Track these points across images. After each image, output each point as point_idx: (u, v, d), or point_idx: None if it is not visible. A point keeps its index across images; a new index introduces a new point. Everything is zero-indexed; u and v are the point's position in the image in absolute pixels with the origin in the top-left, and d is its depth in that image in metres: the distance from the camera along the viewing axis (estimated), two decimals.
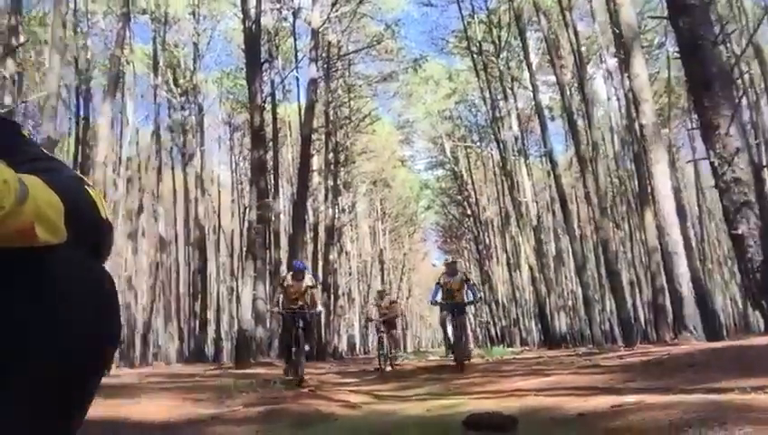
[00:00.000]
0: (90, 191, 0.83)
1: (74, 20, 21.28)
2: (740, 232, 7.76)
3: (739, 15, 19.61)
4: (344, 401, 5.69)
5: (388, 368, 11.79)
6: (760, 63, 18.93)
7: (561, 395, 4.30)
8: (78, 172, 0.94)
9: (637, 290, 26.56)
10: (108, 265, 0.85)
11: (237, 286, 27.99)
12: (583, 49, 21.39)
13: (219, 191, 33.15)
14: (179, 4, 26.16)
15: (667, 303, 13.12)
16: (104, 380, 0.84)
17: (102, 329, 0.77)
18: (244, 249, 21.48)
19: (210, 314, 29.17)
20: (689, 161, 24.29)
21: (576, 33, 19.43)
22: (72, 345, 0.72)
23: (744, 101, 19.36)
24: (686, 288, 10.95)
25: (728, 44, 19.23)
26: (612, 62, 23.99)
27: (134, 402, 4.94)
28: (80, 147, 22.39)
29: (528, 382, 5.80)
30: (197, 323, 24.85)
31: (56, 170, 0.82)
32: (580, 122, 22.35)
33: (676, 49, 9.58)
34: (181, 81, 27.54)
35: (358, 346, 41.51)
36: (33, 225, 0.67)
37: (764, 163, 18.36)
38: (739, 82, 18.80)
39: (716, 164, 7.92)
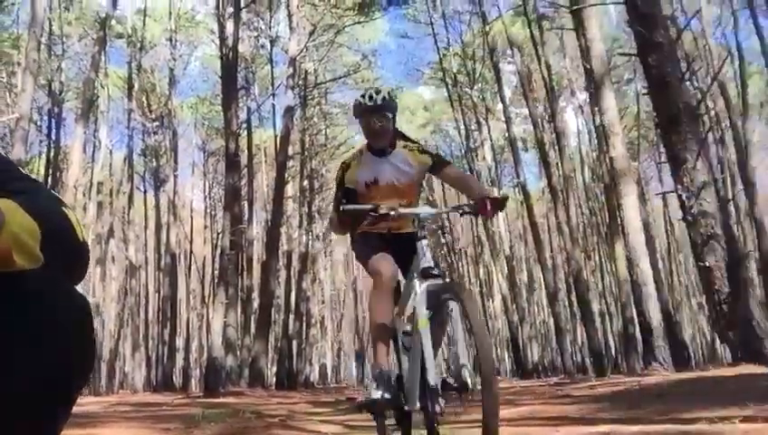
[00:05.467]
0: (67, 214, 0.83)
1: (49, 42, 21.15)
2: (707, 264, 7.93)
3: (704, 53, 20.27)
4: (316, 431, 5.61)
5: None
6: (725, 100, 19.54)
7: (533, 425, 4.30)
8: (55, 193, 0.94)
9: (608, 320, 26.82)
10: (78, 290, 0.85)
11: (208, 314, 27.59)
12: (555, 83, 21.86)
13: (192, 217, 32.84)
14: (156, 29, 26.18)
15: (637, 333, 13.26)
16: None
17: (79, 354, 0.76)
18: (216, 276, 21.24)
19: (179, 342, 28.66)
20: (658, 194, 24.80)
21: (548, 68, 19.86)
22: (50, 371, 0.72)
23: (710, 136, 19.91)
24: (656, 319, 11.10)
25: (695, 81, 19.86)
26: (583, 97, 24.56)
27: (98, 432, 4.82)
28: (50, 170, 22.09)
29: (500, 412, 5.79)
30: (166, 350, 24.38)
31: (33, 192, 0.82)
32: (552, 154, 22.73)
33: (645, 85, 9.86)
34: (155, 106, 27.42)
35: (330, 375, 41.05)
36: (9, 251, 0.67)
37: (730, 197, 18.84)
38: (705, 117, 19.36)
39: (684, 197, 8.12)
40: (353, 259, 50.67)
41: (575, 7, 13.60)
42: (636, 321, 13.04)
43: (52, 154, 22.47)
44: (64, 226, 0.82)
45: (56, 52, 22.44)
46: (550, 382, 12.76)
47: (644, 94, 13.33)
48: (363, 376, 48.20)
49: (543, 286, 24.89)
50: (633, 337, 14.33)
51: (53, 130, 22.97)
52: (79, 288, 0.87)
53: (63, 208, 0.84)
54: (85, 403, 10.27)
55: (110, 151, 26.72)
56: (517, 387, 11.76)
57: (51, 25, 21.02)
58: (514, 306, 24.37)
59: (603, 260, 27.67)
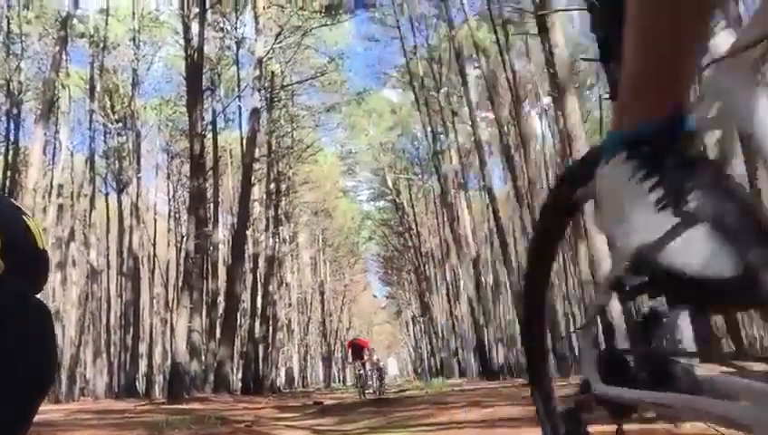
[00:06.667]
0: (28, 221, 0.82)
1: (7, 41, 20.63)
2: None
3: None
4: None
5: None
6: None
7: (499, 427, 4.35)
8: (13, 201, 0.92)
9: (571, 321, 27.25)
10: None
11: (172, 318, 27.18)
12: (520, 87, 22.15)
13: (155, 220, 32.31)
14: (119, 29, 25.74)
15: (600, 335, 13.48)
16: None
17: (38, 360, 0.75)
18: (180, 280, 20.96)
19: (142, 348, 28.15)
20: None
21: (513, 72, 20.11)
22: (7, 376, 0.70)
23: None
24: (617, 321, 11.30)
25: None
26: (547, 101, 24.94)
27: None
28: (8, 172, 21.52)
29: (467, 415, 5.84)
30: (128, 356, 23.94)
31: None
32: (517, 158, 23.02)
33: (607, 90, 10.06)
34: (118, 107, 26.94)
35: (297, 379, 40.81)
36: None
37: None
38: None
39: None
40: (320, 263, 50.33)
41: (540, 12, 13.80)
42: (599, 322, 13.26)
43: (10, 156, 21.89)
44: (25, 233, 0.81)
45: (15, 51, 21.90)
46: (515, 384, 12.91)
47: (606, 99, 13.61)
48: (330, 380, 47.85)
49: (509, 288, 25.16)
50: (596, 339, 14.56)
51: (12, 132, 22.39)
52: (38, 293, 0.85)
53: (23, 217, 0.83)
54: (45, 411, 10.01)
55: (71, 153, 26.16)
56: (483, 388, 11.87)
57: (9, 24, 20.51)
58: (480, 308, 24.57)
59: (567, 262, 28.11)
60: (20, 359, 0.73)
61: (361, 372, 16.65)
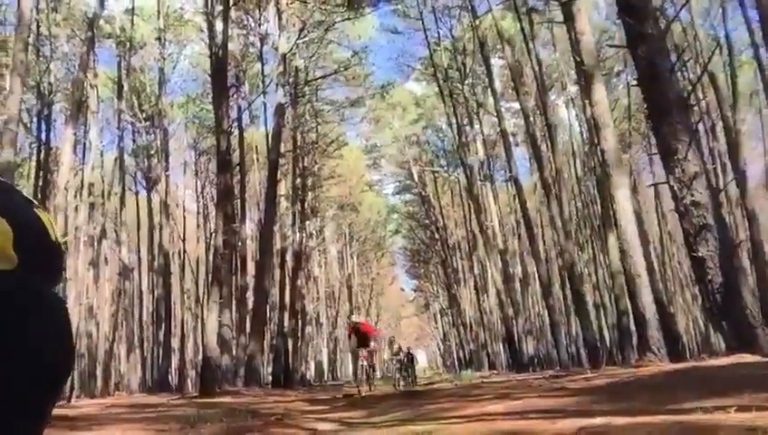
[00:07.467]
0: (40, 215, 0.82)
1: (37, 44, 20.99)
2: (700, 254, 7.96)
3: (693, 43, 20.31)
4: (313, 429, 5.61)
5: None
6: (714, 90, 19.59)
7: (530, 418, 4.30)
8: (30, 196, 0.93)
9: (602, 312, 26.91)
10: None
11: (202, 313, 27.52)
12: (545, 76, 21.86)
13: (184, 217, 32.73)
14: (145, 28, 26.04)
15: (631, 324, 13.30)
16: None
17: (54, 356, 0.75)
18: (210, 275, 21.18)
19: (174, 343, 28.57)
20: (650, 185, 24.86)
21: (539, 61, 19.85)
22: (23, 373, 0.70)
23: (701, 126, 19.96)
24: (649, 310, 11.13)
25: (684, 72, 19.91)
26: (574, 90, 24.59)
27: (94, 434, 4.79)
28: (40, 172, 21.96)
29: (496, 406, 5.80)
30: (161, 351, 24.30)
31: (5, 193, 0.81)
32: (544, 148, 22.76)
33: (636, 76, 9.88)
34: (146, 105, 27.29)
35: (326, 372, 41.06)
36: None
37: (722, 187, 18.91)
38: (695, 108, 19.42)
39: (676, 188, 8.15)
40: (347, 256, 50.31)
41: (565, 0, 13.59)
42: (630, 312, 13.08)
43: (42, 156, 22.33)
44: (38, 227, 0.81)
45: (44, 53, 22.29)
46: (545, 375, 12.80)
47: (634, 86, 13.36)
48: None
49: (537, 280, 24.94)
50: (627, 329, 14.38)
51: (43, 132, 22.84)
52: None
53: (35, 210, 0.83)
54: (81, 405, 10.22)
55: (101, 152, 26.58)
56: (513, 380, 11.79)
57: (38, 26, 20.86)
58: (509, 300, 24.42)
59: (596, 252, 27.75)
60: (33, 356, 0.73)
61: (364, 364, 14.19)
